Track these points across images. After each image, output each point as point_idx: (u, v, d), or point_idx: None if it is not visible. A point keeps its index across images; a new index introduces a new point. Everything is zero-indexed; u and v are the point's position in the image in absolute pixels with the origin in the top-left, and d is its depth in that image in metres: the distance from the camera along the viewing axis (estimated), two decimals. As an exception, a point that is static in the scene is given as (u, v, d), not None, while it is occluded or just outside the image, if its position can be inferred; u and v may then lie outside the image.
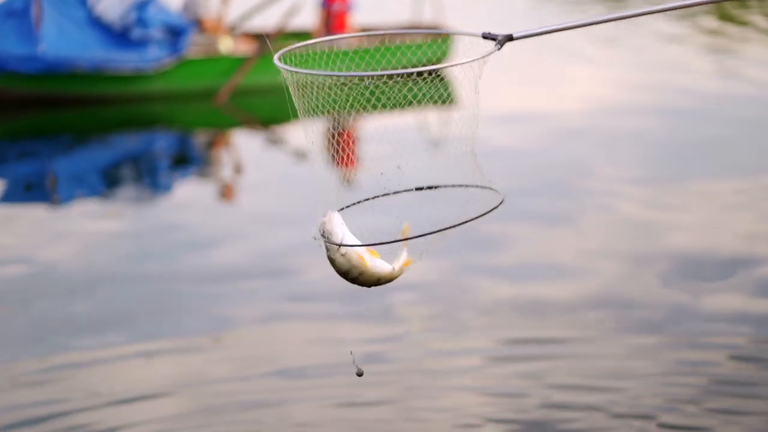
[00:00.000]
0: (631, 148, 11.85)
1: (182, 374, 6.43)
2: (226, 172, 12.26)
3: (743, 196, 9.94)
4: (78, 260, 8.65)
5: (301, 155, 12.32)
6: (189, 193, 11.33)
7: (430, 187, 3.30)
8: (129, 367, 6.54)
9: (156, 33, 14.53)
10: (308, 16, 17.15)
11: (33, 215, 10.33)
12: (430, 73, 3.12)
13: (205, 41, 15.37)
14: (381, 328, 7.01)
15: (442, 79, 3.24)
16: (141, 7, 14.49)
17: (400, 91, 3.18)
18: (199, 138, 14.34)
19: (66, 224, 9.93)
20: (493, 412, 5.75)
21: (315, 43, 3.30)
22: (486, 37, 3.22)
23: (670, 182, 10.39)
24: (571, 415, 5.65)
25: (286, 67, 3.10)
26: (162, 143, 13.87)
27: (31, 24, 14.11)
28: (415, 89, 3.22)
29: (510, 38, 3.22)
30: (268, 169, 12.06)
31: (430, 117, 11.42)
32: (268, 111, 15.00)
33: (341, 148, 3.27)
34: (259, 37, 15.68)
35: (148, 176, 12.07)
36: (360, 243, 3.17)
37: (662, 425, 5.51)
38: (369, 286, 3.25)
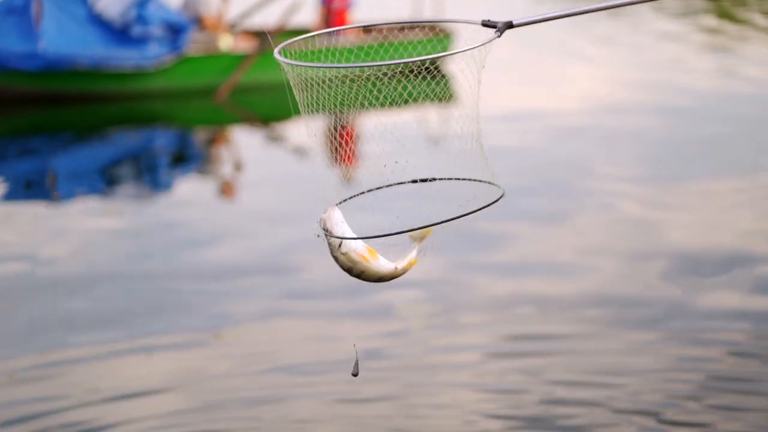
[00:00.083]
0: (631, 147, 11.85)
1: (182, 371, 6.43)
2: (226, 169, 12.26)
3: (742, 194, 9.95)
4: (78, 257, 8.65)
5: (301, 152, 12.32)
6: (189, 190, 11.33)
7: (428, 180, 3.28)
8: (128, 363, 6.54)
9: (156, 30, 14.53)
10: (308, 14, 17.15)
11: (33, 212, 10.33)
12: (430, 67, 3.10)
13: (206, 39, 15.37)
14: (381, 325, 7.02)
15: (442, 76, 3.24)
16: (141, 5, 14.49)
17: (397, 86, 3.18)
18: (199, 135, 14.34)
19: (66, 221, 9.94)
20: (494, 408, 5.75)
21: (315, 35, 3.29)
22: (486, 24, 3.19)
23: (669, 181, 10.39)
24: (572, 411, 5.66)
25: (286, 60, 3.09)
26: (162, 140, 13.88)
27: (31, 21, 14.12)
28: (415, 85, 3.21)
29: (510, 25, 3.18)
30: (268, 167, 12.07)
31: (430, 114, 11.43)
32: (268, 108, 15.00)
33: (341, 145, 3.26)
34: (259, 35, 15.68)
35: (148, 173, 12.08)
36: (356, 236, 3.14)
37: (663, 421, 5.51)
38: (372, 282, 3.24)
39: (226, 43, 15.30)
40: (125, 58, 14.52)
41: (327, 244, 3.20)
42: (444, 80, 3.32)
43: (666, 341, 6.63)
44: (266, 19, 16.38)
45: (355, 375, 3.51)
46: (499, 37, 3.16)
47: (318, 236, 3.17)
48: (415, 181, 3.27)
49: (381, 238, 3.12)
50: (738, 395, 5.81)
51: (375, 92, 3.17)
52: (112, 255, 8.67)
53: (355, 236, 3.15)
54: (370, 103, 3.18)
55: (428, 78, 3.15)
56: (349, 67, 3.05)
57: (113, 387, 6.14)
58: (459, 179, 3.26)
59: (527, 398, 5.84)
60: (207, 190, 11.26)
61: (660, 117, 13.36)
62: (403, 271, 3.24)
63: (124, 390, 6.08)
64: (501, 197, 3.20)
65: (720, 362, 6.29)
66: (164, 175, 12.03)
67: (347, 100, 3.18)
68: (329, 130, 3.27)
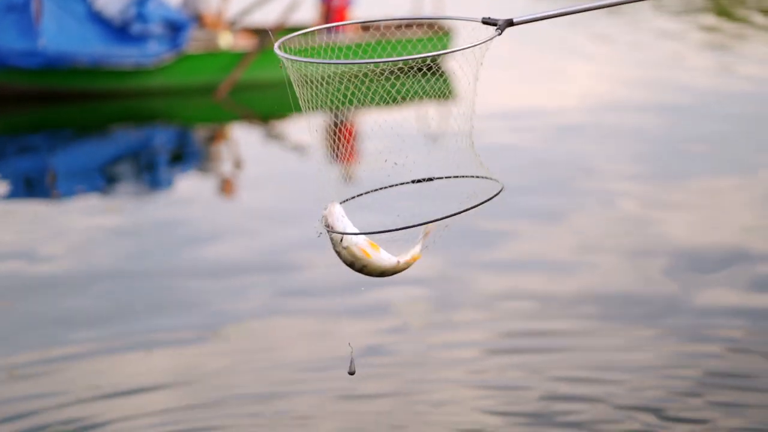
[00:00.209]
0: (630, 145, 11.86)
1: (181, 368, 6.44)
2: (225, 167, 12.27)
3: (742, 191, 9.96)
4: (77, 255, 8.66)
5: (300, 150, 12.33)
6: (189, 188, 11.34)
7: (428, 179, 3.28)
8: (128, 360, 6.55)
9: (156, 28, 14.54)
10: (308, 12, 17.16)
11: (33, 210, 10.34)
12: (431, 64, 3.10)
13: (205, 36, 15.38)
14: (380, 322, 7.03)
15: (442, 73, 3.24)
16: (141, 3, 14.49)
17: (395, 83, 3.17)
18: (199, 133, 14.35)
19: (66, 219, 9.94)
20: (494, 404, 5.76)
21: (314, 30, 3.29)
22: (486, 22, 3.17)
23: (668, 178, 10.40)
24: (573, 407, 5.66)
25: (286, 55, 3.09)
26: (162, 138, 13.88)
27: (31, 19, 14.12)
28: (414, 82, 3.21)
29: (511, 23, 3.17)
30: (268, 164, 12.07)
31: (429, 112, 11.43)
32: (268, 106, 15.00)
33: (341, 143, 3.26)
34: (259, 33, 15.69)
35: (148, 171, 12.08)
36: (358, 232, 3.14)
37: (664, 417, 5.52)
38: (375, 276, 3.24)
39: (226, 40, 15.30)
40: (125, 55, 14.52)
41: (329, 240, 3.20)
42: (443, 78, 3.33)
43: (667, 338, 6.64)
44: (266, 16, 16.39)
45: (351, 374, 3.51)
46: (499, 34, 3.15)
47: (320, 234, 3.18)
48: (415, 182, 3.27)
49: (383, 234, 3.13)
50: (739, 391, 5.81)
51: (374, 89, 3.17)
52: (111, 252, 8.68)
53: (357, 231, 3.16)
54: (370, 100, 3.18)
55: (428, 75, 3.15)
56: (349, 63, 3.04)
57: (113, 383, 6.15)
58: (458, 177, 3.26)
59: (528, 395, 5.85)
60: (207, 187, 11.27)
61: (659, 115, 13.37)
62: (406, 266, 3.24)
63: (124, 387, 6.09)
64: (501, 190, 3.20)
65: (721, 358, 6.30)
66: (164, 173, 12.04)
67: (347, 97, 3.18)
68: (329, 127, 3.27)
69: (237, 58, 15.02)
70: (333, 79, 3.13)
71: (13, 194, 11.00)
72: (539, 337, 6.73)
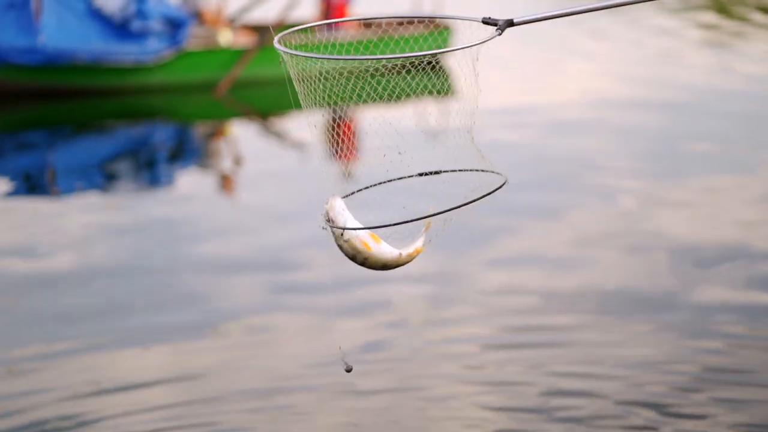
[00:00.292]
0: (630, 142, 11.87)
1: (180, 364, 6.45)
2: (225, 164, 12.27)
3: (741, 189, 9.96)
4: (77, 252, 8.66)
5: (300, 147, 12.34)
6: (188, 185, 11.34)
7: (433, 172, 3.28)
8: (127, 356, 6.56)
9: (156, 25, 14.54)
10: (308, 9, 17.16)
11: (32, 207, 10.34)
12: (430, 62, 3.11)
13: (205, 33, 15.38)
14: (380, 318, 7.03)
15: (441, 70, 3.24)
16: (141, 0, 14.50)
17: (394, 80, 3.18)
18: (199, 130, 14.35)
19: (65, 216, 9.95)
20: (494, 400, 5.77)
21: (315, 25, 3.30)
22: (486, 22, 3.18)
23: (668, 176, 10.41)
24: (574, 402, 5.67)
25: (285, 50, 3.09)
26: (161, 135, 13.89)
27: (31, 16, 14.12)
28: (413, 78, 3.22)
29: (511, 23, 3.17)
30: (267, 162, 12.07)
31: (428, 108, 11.43)
32: (268, 103, 15.01)
33: (340, 140, 3.26)
34: (259, 30, 15.69)
35: (148, 168, 12.09)
36: (361, 226, 3.15)
37: (666, 413, 5.53)
38: (377, 269, 3.24)
39: (226, 37, 15.31)
40: (125, 52, 14.53)
41: (331, 233, 3.20)
42: (443, 74, 3.33)
43: (667, 333, 6.65)
44: (266, 13, 16.39)
45: (348, 371, 3.51)
46: (500, 35, 3.15)
47: (324, 229, 3.17)
48: (421, 174, 3.27)
49: (388, 228, 3.13)
50: (739, 387, 5.82)
51: (374, 85, 3.17)
52: (111, 249, 8.69)
53: (359, 224, 3.16)
54: (370, 97, 3.18)
55: (428, 72, 3.15)
56: (348, 59, 3.05)
57: (111, 379, 6.16)
58: (465, 170, 3.26)
59: (528, 390, 5.86)
60: (206, 184, 11.27)
61: (659, 112, 13.38)
62: (409, 259, 3.24)
63: (123, 382, 6.10)
64: (504, 183, 3.21)
65: (721, 354, 6.31)
66: (164, 170, 12.04)
67: (346, 93, 3.18)
68: (329, 124, 3.28)
69: (237, 55, 15.02)
70: (332, 76, 3.13)
71: (13, 191, 11.01)
72: (539, 333, 6.74)
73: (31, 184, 11.41)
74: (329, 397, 5.87)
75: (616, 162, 11.01)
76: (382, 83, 3.17)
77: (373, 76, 3.14)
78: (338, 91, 3.17)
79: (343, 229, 3.13)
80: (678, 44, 18.57)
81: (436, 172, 3.28)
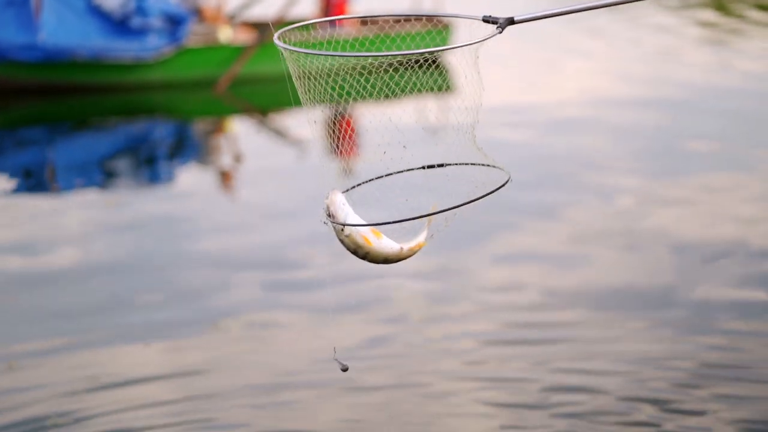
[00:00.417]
0: (629, 140, 11.87)
1: (180, 360, 6.45)
2: (225, 161, 12.28)
3: (739, 186, 9.97)
4: (76, 249, 8.67)
5: (300, 144, 12.34)
6: (188, 182, 11.35)
7: (438, 165, 3.27)
8: (126, 352, 6.56)
9: (155, 22, 14.54)
10: (308, 6, 17.16)
11: (32, 204, 10.35)
12: (430, 58, 3.11)
13: (205, 30, 15.38)
14: (380, 314, 7.04)
15: (440, 66, 3.25)
16: (140, -3, 14.52)
17: (394, 76, 3.17)
18: (199, 127, 14.36)
19: (65, 213, 9.95)
20: (496, 396, 5.77)
21: (315, 22, 3.30)
22: (487, 20, 3.17)
23: (666, 174, 10.41)
24: (574, 398, 5.68)
25: (285, 46, 3.09)
26: (161, 132, 13.89)
27: (30, 13, 14.12)
28: (413, 76, 3.22)
29: (511, 21, 3.17)
30: (267, 158, 12.08)
31: (428, 105, 11.43)
32: (268, 100, 15.02)
33: (340, 137, 3.26)
34: (258, 26, 15.69)
35: (147, 165, 12.09)
36: (363, 223, 3.15)
37: (669, 410, 5.53)
38: (379, 263, 3.24)
39: (226, 34, 15.31)
40: (125, 49, 14.53)
41: (332, 228, 3.20)
42: (442, 71, 3.33)
43: (667, 330, 6.65)
44: (265, 10, 16.38)
45: (344, 370, 3.51)
46: (500, 33, 3.15)
47: (325, 223, 3.17)
48: (428, 167, 3.27)
49: (392, 225, 3.13)
50: (739, 383, 5.83)
51: (373, 82, 3.17)
52: (110, 246, 8.69)
53: (359, 218, 3.16)
54: (369, 94, 3.19)
55: (427, 68, 3.15)
56: (349, 56, 3.04)
57: (110, 374, 6.17)
58: (469, 164, 3.26)
59: (529, 386, 5.86)
60: (206, 181, 11.28)
61: (657, 111, 13.38)
62: (410, 253, 3.24)
63: (122, 378, 6.11)
64: (508, 181, 3.21)
65: (722, 350, 6.31)
66: (163, 167, 12.05)
67: (346, 90, 3.19)
68: (329, 121, 3.28)
69: (236, 52, 15.02)
70: (332, 73, 3.14)
71: (13, 188, 11.01)
72: (539, 329, 6.75)
73: (31, 181, 11.41)
74: (329, 393, 5.87)
75: (615, 160, 11.01)
76: (382, 80, 3.18)
77: (372, 73, 3.15)
78: (338, 88, 3.17)
79: (344, 225, 3.14)
80: (676, 42, 18.57)
81: (441, 165, 3.27)
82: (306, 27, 3.28)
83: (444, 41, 14.53)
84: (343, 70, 3.16)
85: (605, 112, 13.50)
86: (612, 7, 3.32)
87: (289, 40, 3.16)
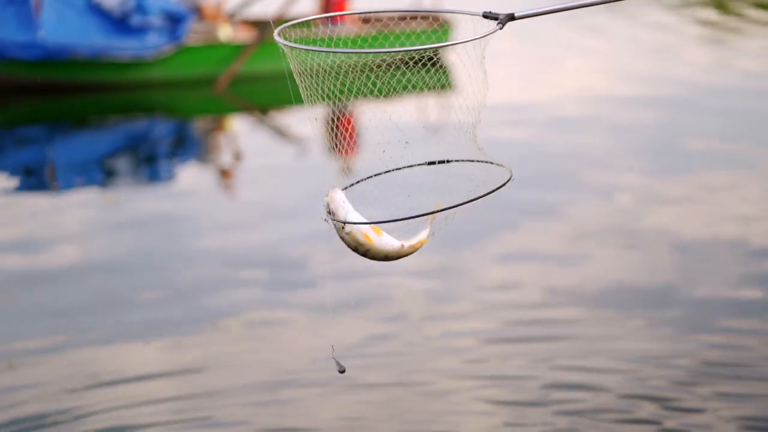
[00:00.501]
0: (628, 139, 11.87)
1: (180, 358, 6.46)
2: (225, 159, 12.28)
3: (738, 185, 9.97)
4: (77, 247, 8.67)
5: (300, 142, 12.34)
6: (188, 180, 11.35)
7: (441, 162, 3.27)
8: (126, 350, 6.57)
9: (155, 20, 14.54)
10: (308, 4, 17.15)
11: (32, 202, 10.35)
12: (430, 57, 3.10)
13: (205, 28, 15.37)
14: (380, 312, 7.04)
15: (441, 65, 3.24)
16: (140, -6, 14.51)
17: (395, 74, 3.17)
18: (199, 125, 14.35)
19: (64, 211, 9.95)
20: (497, 394, 5.77)
21: (315, 18, 3.29)
22: (487, 16, 3.16)
23: (666, 172, 10.41)
24: (575, 395, 5.68)
25: (285, 42, 3.08)
26: (161, 130, 13.89)
27: (30, 11, 14.12)
28: (414, 74, 3.21)
29: (512, 17, 3.16)
30: (267, 157, 12.08)
31: (429, 103, 11.44)
32: (268, 98, 15.02)
33: (341, 135, 3.26)
34: (258, 25, 15.69)
35: (147, 163, 12.09)
36: (364, 221, 3.15)
37: (670, 407, 5.54)
38: (380, 260, 3.23)
39: (226, 32, 15.30)
40: (124, 47, 14.53)
41: (333, 225, 3.19)
42: (443, 70, 3.33)
43: (668, 328, 6.66)
44: (265, 8, 16.38)
45: (342, 372, 3.51)
46: (501, 29, 3.15)
47: (325, 221, 3.17)
48: (431, 163, 3.27)
49: (393, 222, 3.13)
50: (741, 381, 5.83)
51: (374, 80, 3.17)
52: (110, 244, 8.69)
53: (359, 216, 3.15)
54: (371, 92, 3.18)
55: (428, 67, 3.15)
56: (349, 52, 3.03)
57: (110, 372, 6.17)
58: (473, 161, 3.26)
59: (530, 384, 5.86)
60: (206, 180, 11.28)
61: (657, 109, 13.38)
62: (411, 250, 3.23)
63: (122, 376, 6.11)
64: (510, 179, 3.21)
65: (722, 348, 6.31)
66: (163, 165, 12.05)
67: (346, 88, 3.18)
68: (329, 119, 3.28)
69: (236, 50, 15.02)
70: (332, 71, 3.13)
71: (13, 186, 11.01)
72: (539, 327, 6.75)
73: (31, 180, 11.41)
74: (330, 391, 5.87)
75: (615, 158, 11.01)
76: (383, 79, 3.17)
77: (373, 70, 3.14)
78: (338, 86, 3.17)
79: (345, 223, 3.14)
80: (676, 40, 18.57)
81: (443, 162, 3.27)
82: (307, 24, 3.28)
83: (444, 39, 14.52)
84: (344, 68, 3.15)
85: (605, 110, 13.50)
86: (611, 4, 3.31)
87: (290, 37, 3.15)
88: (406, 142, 3.15)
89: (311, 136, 11.84)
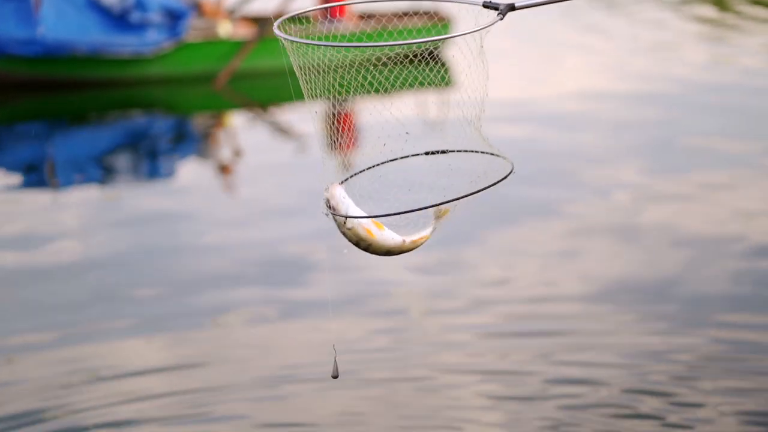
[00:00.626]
0: (627, 136, 11.87)
1: (180, 354, 6.46)
2: (224, 156, 12.28)
3: (738, 182, 9.98)
4: (76, 243, 8.68)
5: (300, 138, 12.34)
6: (188, 177, 11.35)
7: (440, 152, 3.26)
8: (125, 346, 6.57)
9: (155, 17, 14.53)
10: (307, 1, 17.15)
11: (31, 198, 10.35)
12: (430, 52, 3.10)
13: (204, 25, 15.37)
14: (379, 307, 7.05)
15: (440, 60, 3.24)
16: (140, -9, 14.50)
17: (393, 71, 3.17)
18: (198, 122, 14.36)
19: (64, 207, 9.96)
20: (496, 389, 5.78)
21: (315, 9, 3.29)
22: (487, 6, 3.14)
23: (666, 170, 10.42)
24: (577, 390, 5.68)
25: (285, 36, 3.08)
26: (161, 127, 13.89)
27: (30, 7, 14.11)
28: (412, 71, 3.21)
29: (512, 7, 3.13)
30: (267, 153, 12.08)
31: (429, 100, 11.45)
32: (267, 95, 15.01)
33: (340, 130, 3.26)
34: (258, 21, 15.69)
35: (147, 160, 12.09)
36: (365, 215, 3.14)
37: (671, 402, 5.54)
38: (381, 255, 3.23)
39: (225, 29, 15.30)
40: (124, 44, 14.52)
41: (333, 220, 3.18)
42: (443, 66, 3.33)
43: (669, 323, 6.66)
44: (265, 5, 16.37)
45: (335, 377, 3.50)
46: (501, 19, 3.13)
47: (326, 215, 3.17)
48: (431, 153, 3.25)
49: (392, 217, 3.12)
50: (743, 375, 5.84)
51: (374, 76, 3.17)
52: (110, 241, 8.70)
53: (361, 211, 3.15)
54: (372, 87, 3.18)
55: (427, 62, 3.14)
56: (349, 46, 3.03)
57: (109, 367, 6.18)
58: (471, 151, 3.25)
59: (530, 379, 5.87)
60: (206, 176, 11.28)
61: (657, 106, 13.38)
62: (413, 245, 3.22)
63: (121, 371, 6.12)
64: (512, 171, 3.20)
65: (723, 343, 6.32)
66: (163, 162, 12.05)
67: (345, 84, 3.18)
68: (328, 114, 3.28)
69: (236, 46, 15.02)
70: (332, 67, 3.13)
71: (12, 183, 11.02)
72: (539, 322, 6.76)
73: (30, 176, 11.42)
74: (328, 386, 5.87)
75: (614, 155, 11.02)
76: (382, 74, 3.17)
77: (374, 65, 3.14)
78: (338, 82, 3.16)
79: (346, 217, 3.13)
80: (675, 38, 18.57)
81: (444, 152, 3.26)
82: (306, 20, 3.28)
83: (443, 35, 14.46)
84: (342, 65, 3.15)
85: (604, 108, 13.50)
86: (610, 3, 3.30)
87: (289, 30, 3.15)
88: (407, 133, 3.15)
89: (311, 131, 11.84)
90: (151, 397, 5.78)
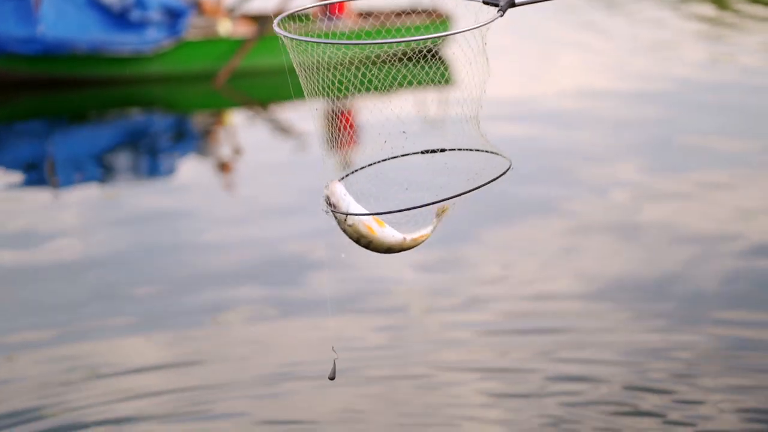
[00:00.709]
0: (626, 135, 11.88)
1: (180, 351, 6.47)
2: (224, 154, 12.28)
3: (737, 181, 9.98)
4: (76, 241, 8.68)
5: (299, 137, 12.35)
6: (187, 175, 11.35)
7: (439, 150, 3.26)
8: (125, 344, 6.58)
9: (155, 15, 14.54)
10: (307, 0, 17.14)
11: (31, 197, 10.36)
12: (430, 50, 3.10)
13: (204, 23, 15.38)
14: (380, 306, 7.05)
15: (440, 58, 3.25)
16: (140, -10, 14.51)
17: (392, 70, 3.17)
18: (198, 120, 14.36)
19: (64, 206, 9.96)
20: (497, 386, 5.79)
21: (314, 6, 3.29)
22: (487, 2, 3.15)
23: (665, 168, 10.42)
24: (577, 387, 5.69)
25: (285, 33, 3.08)
26: (160, 125, 13.89)
27: (30, 5, 14.12)
28: (411, 69, 3.21)
29: (512, 4, 3.13)
30: (266, 152, 12.09)
31: (428, 98, 11.44)
32: (267, 93, 15.02)
33: (340, 128, 3.26)
34: (258, 20, 15.69)
35: (147, 158, 12.10)
36: (366, 212, 3.14)
37: (671, 399, 5.55)
38: (381, 253, 3.23)
39: (225, 27, 15.31)
40: (124, 42, 14.53)
41: (333, 217, 3.19)
42: (442, 64, 3.33)
43: (669, 321, 6.67)
44: (265, 3, 16.37)
45: (331, 379, 3.51)
46: (501, 16, 3.13)
47: (326, 212, 3.17)
48: (428, 151, 3.25)
49: (391, 215, 3.12)
50: (744, 373, 5.85)
51: (373, 74, 3.17)
52: (109, 239, 8.70)
53: (361, 209, 3.15)
54: (372, 84, 3.18)
55: (427, 60, 3.15)
56: (349, 44, 3.03)
57: (109, 364, 6.19)
58: (469, 150, 3.25)
59: (530, 376, 5.88)
60: (206, 174, 11.29)
61: (656, 105, 13.38)
62: (414, 243, 3.22)
63: (121, 368, 6.13)
64: (510, 167, 3.20)
65: (723, 340, 6.33)
66: (163, 160, 12.05)
67: (345, 82, 3.18)
68: (328, 113, 3.28)
69: (236, 45, 15.02)
70: (331, 65, 3.13)
71: (12, 181, 11.02)
72: (539, 320, 6.76)
73: (30, 174, 11.42)
74: (328, 384, 5.88)
75: (613, 154, 11.02)
76: (382, 72, 3.17)
77: (374, 63, 3.14)
78: (337, 80, 3.17)
79: (347, 214, 3.13)
80: (674, 36, 18.57)
81: (442, 150, 3.26)
82: (307, 18, 3.28)
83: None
84: (342, 62, 3.15)
85: (603, 106, 13.50)
86: (609, 2, 3.30)
87: (289, 28, 3.15)
88: (404, 132, 3.15)
89: (311, 130, 11.84)
90: (150, 394, 5.79)
